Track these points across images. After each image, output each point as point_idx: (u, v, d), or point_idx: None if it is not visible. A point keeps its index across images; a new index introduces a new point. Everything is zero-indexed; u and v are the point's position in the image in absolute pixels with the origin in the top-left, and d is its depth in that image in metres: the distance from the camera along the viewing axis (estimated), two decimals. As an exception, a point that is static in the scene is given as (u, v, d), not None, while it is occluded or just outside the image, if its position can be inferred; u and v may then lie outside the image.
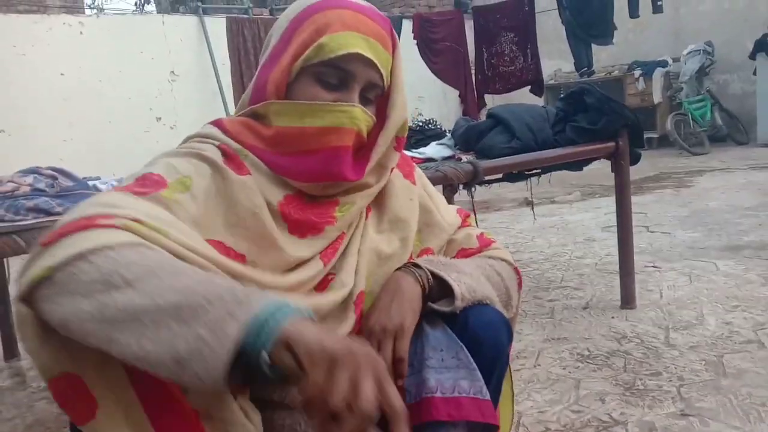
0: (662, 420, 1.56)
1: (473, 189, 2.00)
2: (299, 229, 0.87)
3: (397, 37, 0.91)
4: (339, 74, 0.85)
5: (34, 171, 1.63)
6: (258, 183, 0.86)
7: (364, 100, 0.88)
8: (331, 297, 0.88)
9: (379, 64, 0.86)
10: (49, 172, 1.64)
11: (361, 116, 0.86)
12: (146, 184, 0.78)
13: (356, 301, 0.91)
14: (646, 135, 7.39)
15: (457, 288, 0.90)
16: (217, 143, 0.87)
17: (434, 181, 1.68)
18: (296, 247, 0.87)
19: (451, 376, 0.88)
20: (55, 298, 0.62)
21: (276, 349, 0.59)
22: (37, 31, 5.98)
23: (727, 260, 2.92)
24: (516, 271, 1.07)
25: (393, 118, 0.91)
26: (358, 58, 0.84)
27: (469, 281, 0.92)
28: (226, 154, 0.86)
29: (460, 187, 1.93)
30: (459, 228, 1.10)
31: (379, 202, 0.98)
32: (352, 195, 0.91)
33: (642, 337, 2.10)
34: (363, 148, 0.90)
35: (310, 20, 0.86)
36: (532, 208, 3.49)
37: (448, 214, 1.09)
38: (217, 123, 0.91)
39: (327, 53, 0.83)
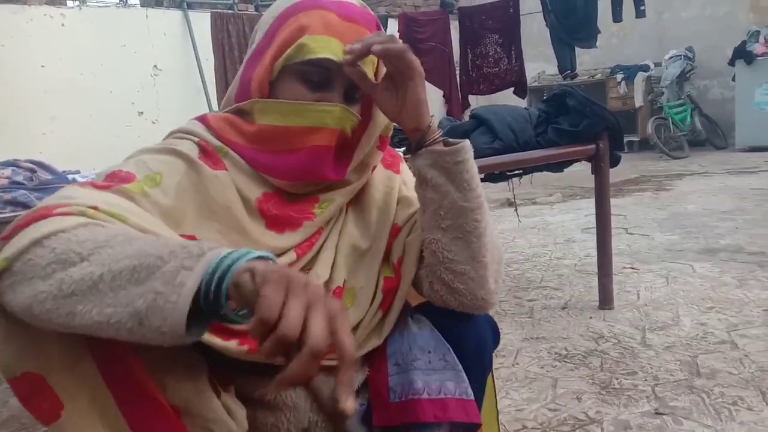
0: (637, 419, 1.59)
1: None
2: (277, 224, 0.87)
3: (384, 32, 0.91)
4: (322, 73, 0.85)
5: (12, 164, 1.61)
6: (236, 179, 0.86)
7: (350, 99, 0.88)
8: None
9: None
10: (28, 165, 1.62)
11: (344, 116, 0.86)
12: (112, 180, 0.79)
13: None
14: (627, 138, 7.53)
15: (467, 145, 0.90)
16: (196, 139, 0.87)
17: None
18: (272, 241, 0.86)
19: (437, 377, 0.89)
20: (16, 287, 0.63)
21: (233, 281, 0.59)
22: (18, 21, 5.88)
23: (704, 263, 2.97)
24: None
25: (377, 119, 0.91)
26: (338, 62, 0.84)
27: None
28: (204, 150, 0.86)
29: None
30: None
31: (359, 193, 0.97)
32: (332, 192, 0.91)
33: (619, 337, 2.13)
34: (347, 147, 0.90)
35: (293, 18, 0.85)
36: (516, 210, 3.53)
37: None
38: (201, 118, 0.91)
39: (307, 53, 0.83)
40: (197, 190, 0.83)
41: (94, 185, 0.77)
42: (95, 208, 0.70)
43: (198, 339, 0.63)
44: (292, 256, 0.88)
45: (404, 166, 1.06)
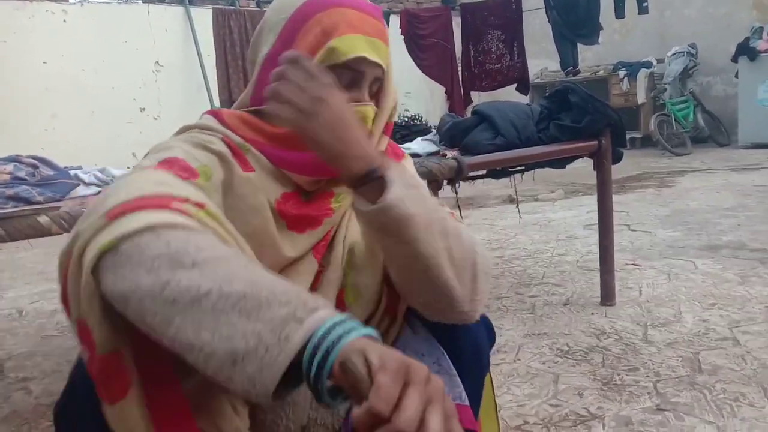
0: (638, 414, 1.59)
1: (457, 185, 2.02)
2: (298, 224, 0.87)
3: (385, 24, 0.91)
4: (352, 74, 0.85)
5: (14, 159, 1.61)
6: (261, 180, 0.85)
7: (369, 95, 0.88)
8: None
9: (383, 63, 0.86)
10: (30, 160, 1.62)
11: (372, 114, 0.87)
12: (172, 166, 0.75)
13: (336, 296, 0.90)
14: (629, 135, 7.52)
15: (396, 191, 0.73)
16: (220, 136, 0.85)
17: (419, 176, 1.69)
18: (293, 245, 0.86)
19: None
20: (118, 269, 0.60)
21: (341, 359, 0.53)
22: (19, 18, 5.89)
23: (706, 259, 2.96)
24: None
25: (385, 107, 0.91)
26: (367, 59, 0.84)
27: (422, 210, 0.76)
28: (231, 148, 0.84)
29: (445, 182, 1.94)
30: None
31: None
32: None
33: (620, 334, 2.13)
34: None
35: (313, 20, 0.84)
36: (518, 206, 3.53)
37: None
38: (215, 114, 0.89)
39: (339, 56, 0.82)
40: (229, 190, 0.82)
41: (173, 173, 0.73)
42: (202, 205, 0.67)
43: (280, 399, 0.57)
44: (313, 263, 0.88)
45: (409, 163, 1.05)
